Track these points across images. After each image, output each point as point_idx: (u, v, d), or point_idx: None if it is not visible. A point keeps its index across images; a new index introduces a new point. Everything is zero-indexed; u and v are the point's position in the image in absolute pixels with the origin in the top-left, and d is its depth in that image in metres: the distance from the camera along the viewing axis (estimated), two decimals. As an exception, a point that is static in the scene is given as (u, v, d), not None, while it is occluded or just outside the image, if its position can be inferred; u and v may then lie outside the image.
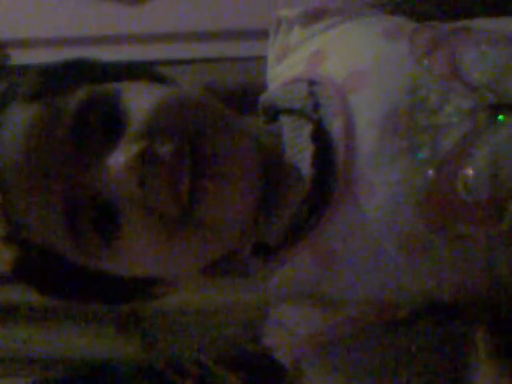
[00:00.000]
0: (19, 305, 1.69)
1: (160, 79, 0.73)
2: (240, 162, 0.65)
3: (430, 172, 0.66)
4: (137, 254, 0.65)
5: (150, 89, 0.67)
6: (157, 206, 0.62)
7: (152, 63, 1.60)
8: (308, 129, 0.70)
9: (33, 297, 1.71)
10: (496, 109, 0.66)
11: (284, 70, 0.80)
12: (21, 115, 0.64)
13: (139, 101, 0.64)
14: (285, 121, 0.73)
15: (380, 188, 0.67)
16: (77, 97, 0.64)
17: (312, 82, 0.74)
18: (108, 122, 0.64)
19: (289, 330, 0.75)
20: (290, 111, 0.74)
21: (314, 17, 0.79)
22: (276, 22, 0.83)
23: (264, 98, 0.79)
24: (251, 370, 1.68)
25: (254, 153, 0.68)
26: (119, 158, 0.61)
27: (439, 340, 0.70)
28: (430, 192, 0.65)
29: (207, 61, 1.60)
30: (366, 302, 0.71)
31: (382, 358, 0.71)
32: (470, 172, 0.65)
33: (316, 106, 0.72)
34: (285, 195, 0.71)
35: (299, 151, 0.70)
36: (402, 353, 0.70)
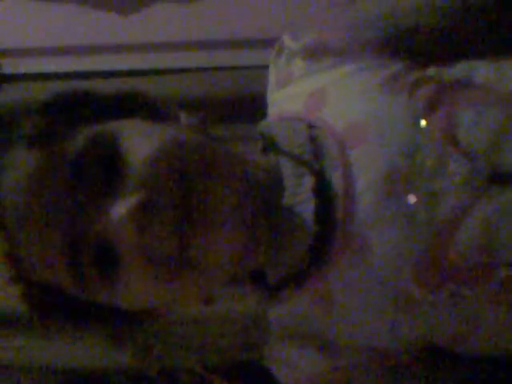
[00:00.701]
0: (11, 313, 1.69)
1: (157, 113, 0.74)
2: (235, 207, 0.67)
3: (424, 236, 0.68)
4: (136, 293, 0.67)
5: (148, 132, 0.68)
6: (154, 251, 0.64)
7: (148, 72, 1.60)
8: (310, 181, 0.72)
9: (24, 306, 1.71)
10: (491, 178, 0.67)
11: (284, 99, 0.81)
12: (22, 161, 0.66)
13: (138, 146, 0.65)
14: (284, 163, 0.74)
15: (377, 247, 0.69)
16: (76, 141, 0.66)
17: (311, 125, 0.75)
18: (107, 166, 0.65)
19: (290, 366, 0.78)
20: (290, 154, 0.75)
21: (315, 53, 0.78)
22: (279, 45, 0.83)
23: (263, 127, 0.80)
24: (245, 379, 1.68)
25: (251, 197, 0.69)
26: (120, 208, 0.63)
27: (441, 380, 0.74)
28: (423, 254, 0.68)
29: (204, 70, 1.60)
30: (365, 349, 0.74)
31: None
32: (463, 238, 0.67)
33: (316, 155, 0.73)
34: (287, 239, 0.73)
35: (300, 201, 0.72)
36: None
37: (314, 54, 0.78)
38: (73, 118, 0.69)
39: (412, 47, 0.76)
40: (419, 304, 0.69)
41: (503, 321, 0.68)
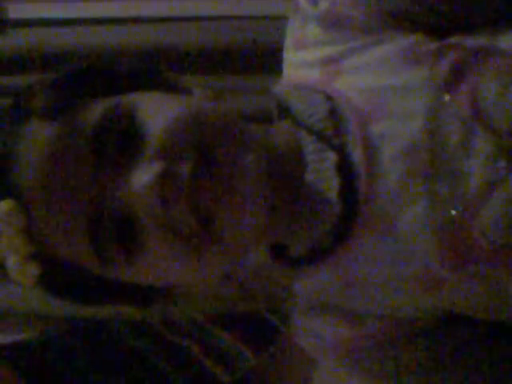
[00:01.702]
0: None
1: (172, 86, 0.73)
2: (255, 177, 0.66)
3: (449, 215, 0.67)
4: (158, 267, 0.66)
5: (165, 103, 0.68)
6: (175, 223, 0.63)
7: (157, 20, 1.58)
8: (332, 159, 0.70)
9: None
10: None
11: (299, 63, 0.78)
12: (38, 133, 0.65)
13: (155, 117, 0.65)
14: (305, 137, 0.72)
15: (399, 223, 0.68)
16: (93, 114, 0.65)
17: (329, 97, 0.73)
18: (125, 138, 0.64)
19: (315, 336, 0.78)
20: (310, 128, 0.73)
21: (331, 22, 0.74)
22: (295, 3, 0.79)
23: (279, 93, 0.78)
24: (246, 328, 1.70)
25: (274, 169, 0.68)
26: (140, 178, 0.63)
27: (456, 349, 0.74)
28: (448, 234, 0.67)
29: (212, 19, 1.58)
30: (385, 318, 0.74)
31: (403, 367, 0.75)
32: (487, 217, 0.66)
33: (337, 130, 0.71)
34: (311, 215, 0.72)
35: (324, 178, 0.70)
36: (422, 362, 0.75)
37: (330, 23, 0.74)
38: (89, 90, 0.68)
39: (432, 18, 0.73)
40: (443, 282, 0.69)
41: None
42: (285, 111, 0.75)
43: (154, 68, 0.74)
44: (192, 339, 1.67)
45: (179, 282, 0.73)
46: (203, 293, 0.77)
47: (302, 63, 0.78)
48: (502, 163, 0.66)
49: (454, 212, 0.67)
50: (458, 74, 0.68)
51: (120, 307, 0.75)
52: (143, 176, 0.62)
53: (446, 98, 0.68)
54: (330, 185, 0.70)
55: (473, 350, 0.74)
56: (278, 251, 0.75)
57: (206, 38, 1.53)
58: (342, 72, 0.73)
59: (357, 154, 0.70)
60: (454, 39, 0.71)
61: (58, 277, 0.68)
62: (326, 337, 0.77)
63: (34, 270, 0.66)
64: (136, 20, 1.63)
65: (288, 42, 0.80)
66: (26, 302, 1.69)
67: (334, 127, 0.71)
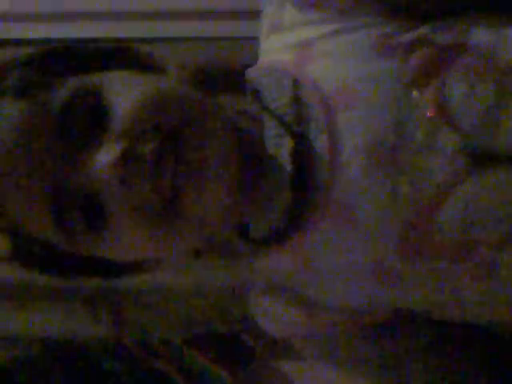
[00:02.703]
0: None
1: (145, 64, 0.74)
2: (219, 156, 0.67)
3: (407, 210, 0.68)
4: (122, 243, 0.67)
5: (133, 83, 0.69)
6: (139, 201, 0.65)
7: (145, 40, 1.59)
8: (288, 145, 0.71)
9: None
10: (479, 156, 0.67)
11: (274, 46, 0.79)
12: (8, 111, 0.66)
13: (121, 97, 0.66)
14: (268, 120, 0.73)
15: (359, 213, 0.69)
16: (61, 93, 0.66)
17: (298, 82, 0.73)
18: (92, 116, 0.65)
19: (271, 317, 0.80)
20: (273, 112, 0.74)
21: (309, 4, 0.75)
22: None
23: (251, 75, 0.79)
24: (221, 349, 1.69)
25: (235, 147, 0.69)
26: (102, 158, 0.64)
27: (408, 349, 0.75)
28: (407, 227, 0.68)
29: (200, 40, 1.60)
30: (342, 309, 0.75)
31: (355, 360, 0.77)
32: (445, 216, 0.67)
33: (300, 116, 0.72)
34: (268, 194, 0.73)
35: (279, 164, 0.71)
36: (378, 354, 0.76)
37: (307, 4, 0.75)
38: (59, 70, 0.69)
39: (409, 4, 0.74)
40: (399, 275, 0.70)
41: (482, 295, 0.69)
42: (255, 94, 0.76)
43: (126, 47, 0.75)
44: (168, 361, 1.66)
45: (146, 257, 0.73)
46: (172, 266, 0.78)
47: (276, 47, 0.79)
48: (463, 162, 0.67)
49: (413, 208, 0.68)
50: (426, 71, 0.69)
51: (87, 280, 0.75)
52: (106, 155, 0.63)
53: (414, 93, 0.69)
54: (284, 170, 0.71)
55: (425, 352, 0.75)
56: (242, 231, 0.76)
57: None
58: (315, 57, 0.74)
59: (320, 142, 0.70)
60: (426, 30, 0.72)
61: (27, 250, 0.69)
62: (281, 320, 0.78)
63: (3, 243, 0.67)
64: (121, 40, 1.63)
65: (263, 27, 0.81)
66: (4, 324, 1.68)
67: (296, 113, 0.72)
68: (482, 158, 0.67)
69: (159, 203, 0.65)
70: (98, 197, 0.65)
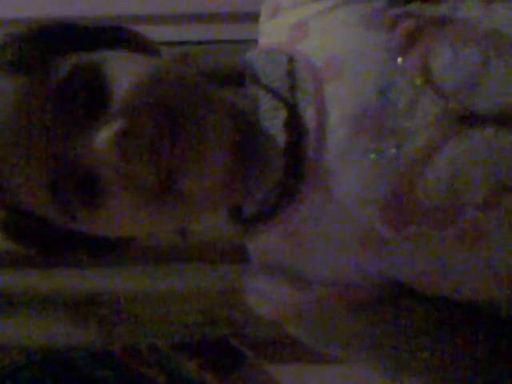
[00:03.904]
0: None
1: (141, 45, 0.75)
2: (216, 136, 0.68)
3: (392, 174, 0.69)
4: (117, 219, 0.68)
5: (131, 62, 0.70)
6: (137, 178, 0.66)
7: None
8: (283, 116, 0.73)
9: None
10: (462, 119, 0.68)
11: (271, 29, 0.82)
12: (6, 86, 0.66)
13: (120, 75, 0.66)
14: (263, 96, 0.75)
15: (345, 182, 0.70)
16: (59, 69, 0.66)
17: (292, 59, 0.76)
18: (91, 94, 0.66)
19: (264, 297, 0.79)
20: (268, 87, 0.76)
21: None
22: None
23: (247, 58, 0.81)
24: (210, 355, 1.69)
25: (230, 126, 0.71)
26: (102, 133, 0.64)
27: (401, 323, 0.75)
28: (391, 192, 0.69)
29: (200, 43, 1.60)
30: (334, 284, 0.75)
31: (351, 337, 0.77)
32: (430, 178, 0.68)
33: (293, 89, 0.74)
34: (261, 170, 0.74)
35: (274, 134, 0.73)
36: (372, 332, 0.76)
37: None
38: (58, 47, 0.69)
39: None
40: (385, 242, 0.70)
41: (468, 264, 0.70)
42: (251, 74, 0.78)
43: (122, 27, 0.76)
44: (156, 368, 1.65)
45: (137, 233, 0.75)
46: (154, 242, 0.80)
47: (273, 29, 0.81)
48: (447, 124, 0.68)
49: (397, 171, 0.69)
50: (412, 39, 0.72)
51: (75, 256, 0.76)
52: (105, 133, 0.64)
53: (399, 60, 0.71)
54: (277, 141, 0.72)
55: (417, 327, 0.75)
56: (233, 213, 0.78)
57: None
58: (308, 35, 0.77)
59: (309, 112, 0.72)
60: (413, 7, 0.76)
61: (19, 223, 0.70)
62: (273, 299, 0.78)
63: None
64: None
65: (263, 13, 0.84)
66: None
67: (291, 86, 0.74)
68: (465, 120, 0.68)
69: (156, 179, 0.66)
70: (95, 172, 0.66)
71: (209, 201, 0.71)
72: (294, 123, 0.72)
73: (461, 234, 0.68)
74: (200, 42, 1.60)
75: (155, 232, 0.77)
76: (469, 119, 0.68)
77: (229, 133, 0.70)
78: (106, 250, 0.77)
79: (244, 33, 1.50)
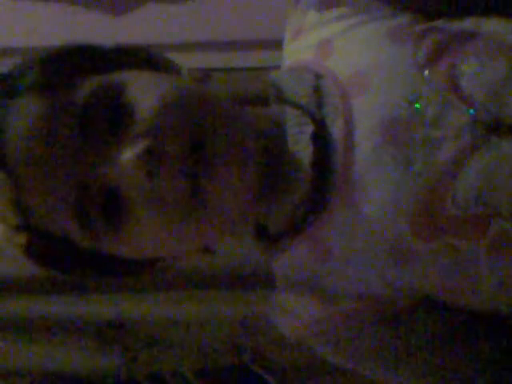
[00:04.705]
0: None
1: (162, 65, 0.76)
2: (241, 154, 0.68)
3: (422, 185, 0.69)
4: (143, 239, 0.68)
5: (154, 82, 0.70)
6: (162, 196, 0.66)
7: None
8: (310, 129, 0.73)
9: (11, 307, 1.70)
10: (490, 128, 0.68)
11: (296, 49, 0.82)
12: (29, 108, 0.66)
13: (144, 95, 0.67)
14: (290, 113, 0.76)
15: (373, 194, 0.70)
16: (83, 90, 0.67)
17: (318, 75, 0.76)
18: (114, 114, 0.66)
19: (291, 315, 0.78)
20: (296, 104, 0.76)
21: (329, 3, 0.79)
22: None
23: (273, 77, 0.82)
24: (233, 382, 1.68)
25: (255, 144, 0.71)
26: (127, 154, 0.65)
27: (435, 335, 0.74)
28: (421, 204, 0.69)
29: (222, 70, 1.60)
30: (362, 297, 0.74)
31: (382, 350, 0.75)
32: (460, 188, 0.68)
33: (320, 104, 0.75)
34: (287, 186, 0.74)
35: (301, 149, 0.73)
36: (401, 346, 0.74)
37: (327, 4, 0.79)
38: (80, 68, 0.70)
39: (422, 1, 0.78)
40: (415, 255, 0.70)
41: (498, 276, 0.69)
42: (277, 92, 0.78)
43: (142, 48, 0.77)
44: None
45: (163, 253, 0.74)
46: (183, 264, 0.79)
47: (298, 49, 0.82)
48: (475, 135, 0.68)
49: (427, 182, 0.68)
50: (438, 53, 0.72)
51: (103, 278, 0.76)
52: (130, 153, 0.64)
53: (426, 73, 0.71)
54: (304, 155, 0.72)
55: (447, 342, 0.74)
56: (259, 231, 0.77)
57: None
58: (333, 51, 0.77)
59: (336, 126, 0.72)
60: (439, 23, 0.76)
61: (44, 248, 0.70)
62: (299, 316, 0.77)
63: (21, 240, 0.68)
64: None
65: (287, 35, 0.84)
66: (6, 356, 1.68)
67: (317, 102, 0.74)
68: (493, 130, 0.68)
69: (181, 197, 0.66)
70: (119, 194, 0.66)
71: (235, 215, 0.71)
72: (321, 138, 0.73)
73: (491, 244, 0.68)
74: (222, 69, 1.61)
75: (181, 253, 0.76)
76: (497, 129, 0.68)
77: (253, 150, 0.70)
78: (132, 273, 0.77)
79: (265, 60, 1.52)
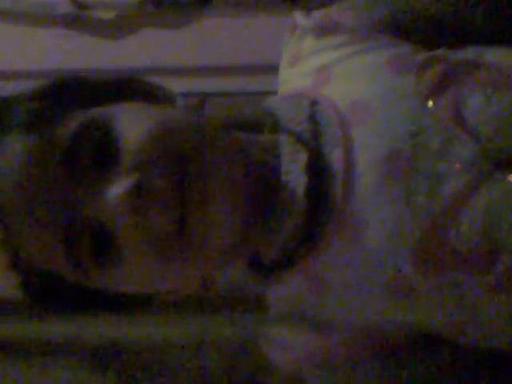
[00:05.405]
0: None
1: (151, 94, 0.75)
2: (229, 184, 0.67)
3: (424, 220, 0.67)
4: (134, 275, 0.67)
5: (141, 114, 0.69)
6: (151, 231, 0.65)
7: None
8: (303, 159, 0.71)
9: (4, 329, 1.70)
10: (496, 162, 0.67)
11: (293, 76, 0.81)
12: (16, 147, 0.66)
13: (130, 129, 0.66)
14: (283, 140, 0.74)
15: (374, 227, 0.69)
16: (69, 126, 0.66)
17: (315, 102, 0.75)
18: (101, 149, 0.66)
19: (283, 347, 0.77)
20: (289, 131, 0.75)
21: (327, 30, 0.78)
22: (291, 24, 0.83)
23: (267, 104, 0.81)
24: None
25: (245, 176, 0.70)
26: (114, 189, 0.64)
27: (433, 373, 0.73)
28: (423, 238, 0.67)
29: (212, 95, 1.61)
30: (358, 331, 0.73)
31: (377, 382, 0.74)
32: (464, 223, 0.66)
33: (316, 132, 0.73)
34: (279, 216, 0.72)
35: (294, 178, 0.72)
36: (397, 381, 0.73)
37: (324, 31, 0.78)
38: (67, 103, 0.70)
39: (423, 30, 0.77)
40: (416, 290, 0.68)
41: (503, 313, 0.68)
42: (271, 120, 0.77)
43: (133, 78, 0.76)
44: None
45: (156, 289, 0.73)
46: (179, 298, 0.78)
47: (295, 76, 0.80)
48: (480, 169, 0.67)
49: (429, 217, 0.67)
50: (442, 83, 0.70)
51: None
52: (118, 187, 0.64)
53: (430, 104, 0.70)
54: (298, 184, 0.71)
55: (445, 380, 0.73)
56: (253, 261, 0.76)
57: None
58: (331, 79, 0.76)
59: (335, 156, 0.71)
60: (440, 52, 0.74)
61: (38, 285, 0.69)
62: (294, 348, 0.76)
63: (13, 278, 0.68)
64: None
65: (283, 61, 0.83)
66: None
67: (312, 130, 0.73)
68: (499, 164, 0.67)
69: (170, 230, 0.65)
70: (108, 229, 0.65)
71: (226, 248, 0.70)
72: (317, 167, 0.71)
73: (497, 280, 0.66)
74: (218, 94, 1.61)
75: (176, 287, 0.75)
76: (502, 163, 0.67)
77: (243, 184, 0.69)
78: (126, 305, 0.76)
79: (262, 85, 1.51)
